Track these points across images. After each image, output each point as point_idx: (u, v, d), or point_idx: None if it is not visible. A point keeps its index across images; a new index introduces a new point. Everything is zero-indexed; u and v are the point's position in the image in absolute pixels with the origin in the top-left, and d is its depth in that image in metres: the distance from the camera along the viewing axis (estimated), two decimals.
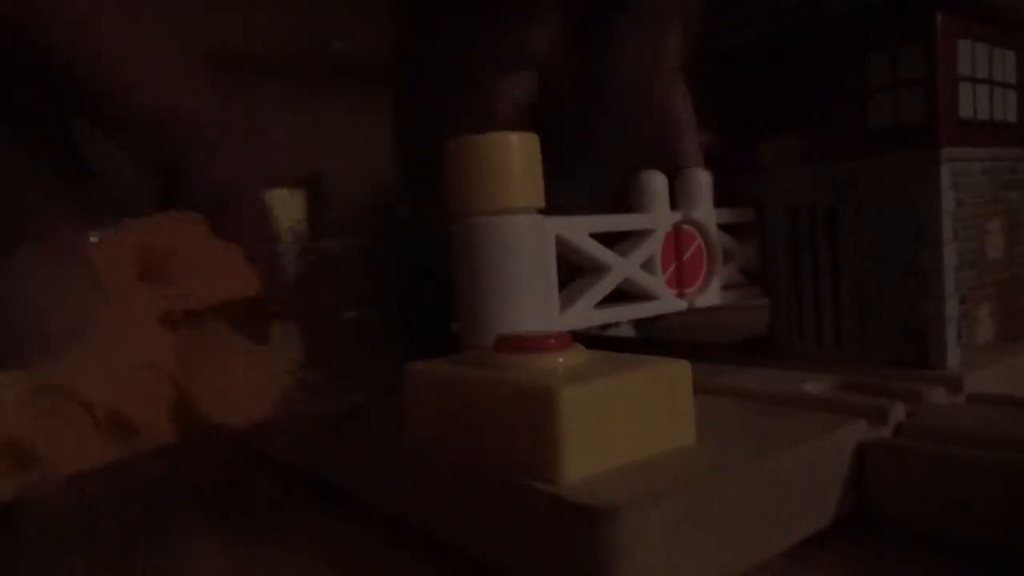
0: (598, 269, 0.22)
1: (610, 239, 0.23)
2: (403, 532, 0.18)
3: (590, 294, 0.22)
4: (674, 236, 0.24)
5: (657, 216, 0.24)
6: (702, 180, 0.25)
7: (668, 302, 0.24)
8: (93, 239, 0.17)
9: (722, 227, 0.25)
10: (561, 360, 0.17)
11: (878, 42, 0.22)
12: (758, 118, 0.26)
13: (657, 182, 0.24)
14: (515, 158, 0.19)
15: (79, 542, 0.20)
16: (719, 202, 0.25)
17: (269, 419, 0.18)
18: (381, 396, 0.23)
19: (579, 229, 0.22)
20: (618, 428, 0.15)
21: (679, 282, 0.24)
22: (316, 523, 0.20)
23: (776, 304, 0.26)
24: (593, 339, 0.25)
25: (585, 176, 0.25)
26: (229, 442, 0.27)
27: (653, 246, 0.23)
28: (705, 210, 0.24)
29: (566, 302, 0.22)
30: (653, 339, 0.32)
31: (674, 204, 0.24)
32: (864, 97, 0.23)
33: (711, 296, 0.25)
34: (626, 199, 0.24)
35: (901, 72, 0.22)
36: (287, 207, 0.30)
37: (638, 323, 0.32)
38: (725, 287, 0.25)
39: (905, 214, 0.22)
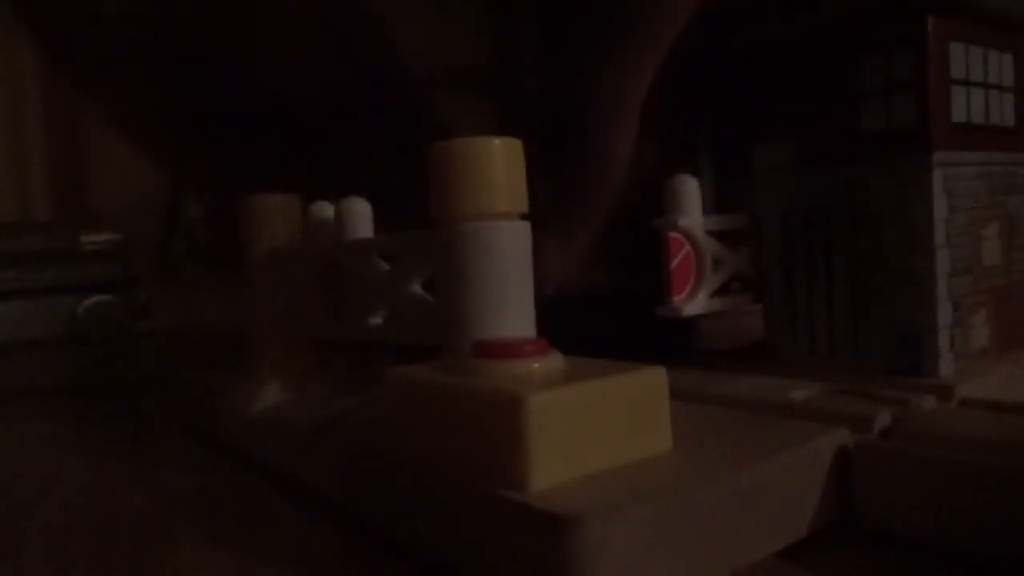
0: None
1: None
2: (387, 538, 0.18)
3: None
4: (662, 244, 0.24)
5: None
6: (690, 187, 0.24)
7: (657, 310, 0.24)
8: None
9: (712, 234, 0.25)
10: (536, 366, 0.16)
11: (872, 45, 0.22)
12: (752, 121, 0.25)
13: None
14: (498, 163, 0.19)
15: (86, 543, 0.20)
16: (710, 209, 0.25)
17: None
18: (367, 401, 0.23)
19: None
20: (590, 435, 0.15)
21: (667, 290, 0.24)
22: (304, 531, 0.20)
23: (770, 311, 0.25)
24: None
25: None
26: (218, 448, 0.27)
27: None
28: (694, 217, 0.24)
29: None
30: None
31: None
32: (858, 101, 0.22)
33: (699, 304, 0.24)
34: None
35: (894, 76, 0.22)
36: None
37: None
38: (715, 295, 0.25)
39: (898, 220, 0.22)
